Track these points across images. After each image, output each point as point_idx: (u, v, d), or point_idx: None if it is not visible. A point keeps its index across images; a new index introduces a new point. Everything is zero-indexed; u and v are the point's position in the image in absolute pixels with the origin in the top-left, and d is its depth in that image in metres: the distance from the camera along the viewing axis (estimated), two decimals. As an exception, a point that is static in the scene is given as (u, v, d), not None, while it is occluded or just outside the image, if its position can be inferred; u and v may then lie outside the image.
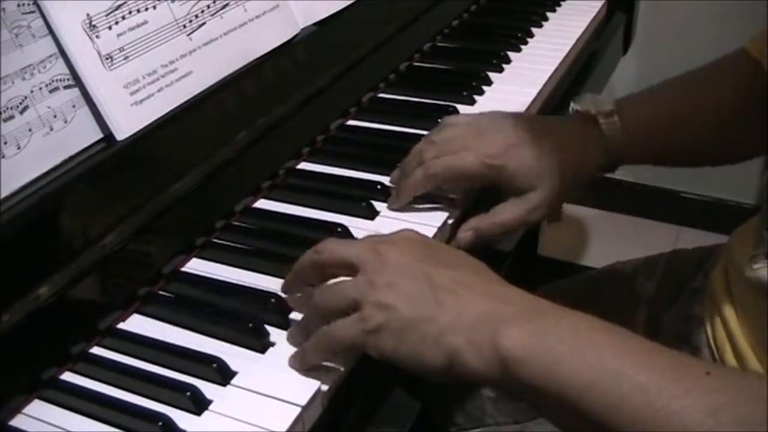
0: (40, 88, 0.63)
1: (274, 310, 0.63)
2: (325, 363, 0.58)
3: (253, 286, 0.67)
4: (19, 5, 0.62)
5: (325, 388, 0.58)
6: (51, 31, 0.64)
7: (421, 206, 0.75)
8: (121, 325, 0.64)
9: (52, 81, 0.64)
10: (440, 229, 0.73)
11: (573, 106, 0.82)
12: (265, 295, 0.65)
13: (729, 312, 0.73)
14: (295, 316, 0.63)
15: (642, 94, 0.84)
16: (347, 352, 0.58)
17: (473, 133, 0.75)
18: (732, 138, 0.84)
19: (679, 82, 0.84)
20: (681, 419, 0.46)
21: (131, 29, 0.69)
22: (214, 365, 0.58)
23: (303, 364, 0.58)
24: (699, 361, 0.47)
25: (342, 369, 0.59)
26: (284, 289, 0.64)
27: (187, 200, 0.70)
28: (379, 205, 0.76)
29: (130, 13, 0.69)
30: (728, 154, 0.88)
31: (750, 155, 0.88)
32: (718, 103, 0.82)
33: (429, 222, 0.73)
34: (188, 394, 0.56)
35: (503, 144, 0.73)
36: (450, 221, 0.74)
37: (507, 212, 0.73)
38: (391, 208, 0.76)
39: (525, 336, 0.51)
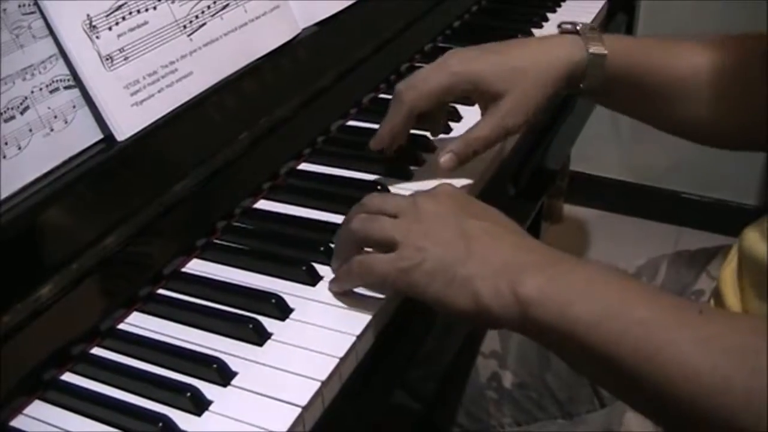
0: (41, 89, 0.63)
1: (275, 310, 0.63)
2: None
3: (253, 286, 0.67)
4: (19, 6, 0.62)
5: (326, 389, 0.57)
6: (51, 32, 0.64)
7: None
8: (122, 326, 0.64)
9: (53, 81, 0.64)
10: None
11: (558, 25, 0.83)
12: (265, 295, 0.65)
13: (737, 310, 0.73)
14: (296, 316, 0.64)
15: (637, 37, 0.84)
16: (378, 285, 0.63)
17: (438, 59, 0.77)
18: (724, 114, 0.80)
19: (686, 39, 0.83)
20: (674, 349, 0.50)
21: (131, 30, 0.69)
22: (215, 366, 0.58)
23: (338, 288, 0.65)
24: (696, 303, 0.52)
25: (338, 381, 0.59)
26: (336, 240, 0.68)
27: (187, 201, 0.70)
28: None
29: (130, 13, 0.69)
30: (717, 132, 0.83)
31: (744, 146, 0.86)
32: (720, 68, 0.79)
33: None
34: (188, 394, 0.56)
35: (467, 56, 0.76)
36: None
37: (481, 124, 0.76)
38: (372, 147, 0.79)
39: (541, 281, 0.55)
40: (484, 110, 0.77)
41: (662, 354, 0.50)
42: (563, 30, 0.82)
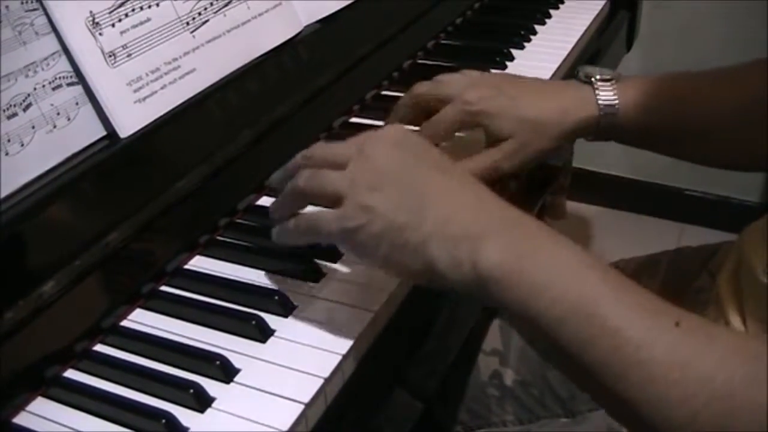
0: (44, 86, 0.63)
1: (278, 306, 0.63)
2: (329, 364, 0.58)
3: (256, 283, 0.67)
4: (22, 3, 0.62)
5: (328, 387, 0.58)
6: (54, 29, 0.64)
7: None
8: (125, 323, 0.64)
9: (56, 78, 0.64)
10: None
11: (577, 70, 0.83)
12: (268, 292, 0.65)
13: (735, 319, 0.73)
14: (299, 313, 0.64)
15: (652, 75, 0.82)
16: (327, 241, 0.60)
17: (461, 81, 0.79)
18: (747, 144, 0.79)
19: (701, 74, 0.82)
20: (647, 369, 0.47)
21: (134, 27, 0.69)
22: (218, 363, 0.58)
23: (281, 240, 0.61)
24: (672, 308, 0.49)
25: (343, 373, 0.59)
26: (274, 183, 0.64)
27: (190, 198, 0.70)
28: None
29: (133, 10, 0.69)
30: (735, 160, 0.85)
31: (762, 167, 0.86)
32: (739, 104, 0.78)
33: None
34: (191, 391, 0.56)
35: (485, 95, 0.77)
36: None
37: (479, 159, 0.76)
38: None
39: (504, 257, 0.51)
40: (488, 144, 0.78)
41: (635, 372, 0.47)
42: (579, 79, 0.81)
